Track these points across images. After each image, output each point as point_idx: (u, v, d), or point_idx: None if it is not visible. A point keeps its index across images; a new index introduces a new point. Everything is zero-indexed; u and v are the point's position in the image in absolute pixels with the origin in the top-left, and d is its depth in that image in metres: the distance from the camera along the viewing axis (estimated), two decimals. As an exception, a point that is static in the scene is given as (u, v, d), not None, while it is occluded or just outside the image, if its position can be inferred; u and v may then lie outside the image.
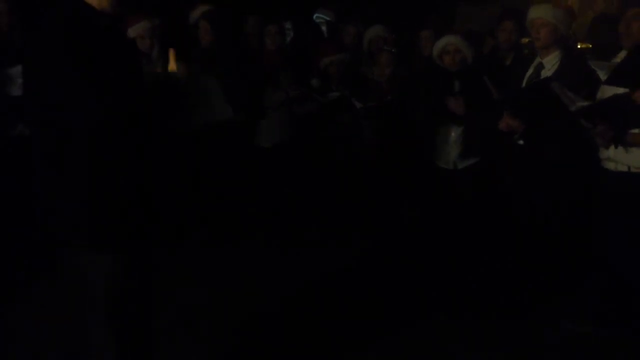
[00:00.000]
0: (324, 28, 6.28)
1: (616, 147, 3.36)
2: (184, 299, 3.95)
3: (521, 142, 3.87)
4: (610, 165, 3.51)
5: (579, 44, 5.15)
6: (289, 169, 5.16)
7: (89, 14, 2.28)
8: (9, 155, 4.27)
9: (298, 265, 4.52)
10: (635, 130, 3.33)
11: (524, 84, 3.89)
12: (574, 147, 3.66)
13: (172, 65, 2.71)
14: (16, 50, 4.21)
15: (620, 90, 3.36)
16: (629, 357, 3.40)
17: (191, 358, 3.37)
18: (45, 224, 2.38)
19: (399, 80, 5.05)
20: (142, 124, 2.36)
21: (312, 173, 5.17)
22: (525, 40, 5.08)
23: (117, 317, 2.37)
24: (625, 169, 3.44)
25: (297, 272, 4.39)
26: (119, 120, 2.22)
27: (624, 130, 3.32)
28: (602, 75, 3.66)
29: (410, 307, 3.93)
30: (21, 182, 4.10)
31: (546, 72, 3.78)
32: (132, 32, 4.46)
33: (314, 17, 6.42)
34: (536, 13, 3.82)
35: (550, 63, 3.80)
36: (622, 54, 3.71)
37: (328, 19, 6.33)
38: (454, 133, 4.42)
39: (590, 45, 4.88)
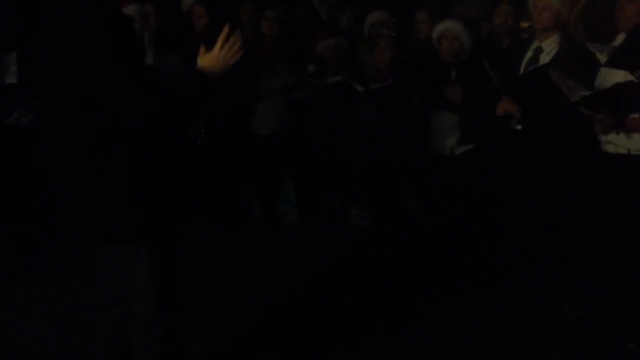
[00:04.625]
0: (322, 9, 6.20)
1: (617, 134, 3.36)
2: (181, 288, 3.92)
3: (519, 127, 3.85)
4: (610, 148, 3.51)
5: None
6: (287, 155, 5.15)
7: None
8: (4, 144, 4.24)
9: (295, 253, 4.52)
10: (635, 115, 3.33)
11: (522, 68, 3.85)
12: (572, 131, 3.64)
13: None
14: (9, 38, 4.17)
15: (620, 74, 3.34)
16: (618, 336, 3.43)
17: (186, 348, 3.34)
18: (66, 218, 2.40)
19: (399, 64, 5.01)
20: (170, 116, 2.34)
21: (310, 159, 5.16)
22: (524, 24, 5.05)
23: (164, 306, 2.43)
24: (625, 151, 3.44)
25: (295, 260, 4.39)
26: (158, 113, 2.20)
27: (624, 116, 3.31)
28: (602, 59, 3.63)
29: (411, 294, 3.92)
30: (17, 171, 4.11)
31: (545, 56, 3.75)
32: None
33: None
34: None
35: (549, 46, 3.76)
36: (621, 37, 3.69)
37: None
38: (451, 119, 4.40)
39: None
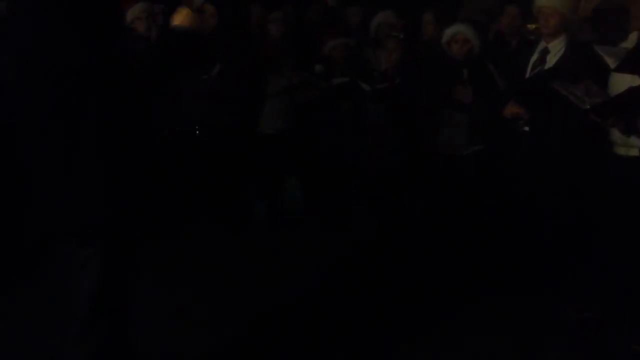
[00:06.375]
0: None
1: (629, 137, 3.36)
2: (185, 289, 3.94)
3: (527, 128, 3.84)
4: (621, 150, 3.50)
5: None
6: (292, 155, 5.14)
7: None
8: (7, 144, 4.22)
9: (299, 254, 4.51)
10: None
11: (529, 70, 3.87)
12: (581, 133, 3.62)
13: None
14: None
15: (627, 78, 3.34)
16: (620, 339, 3.40)
17: (188, 349, 3.34)
18: (38, 218, 2.41)
19: (406, 65, 4.99)
20: (137, 120, 2.34)
21: (316, 159, 5.15)
22: (532, 26, 5.04)
23: (98, 309, 2.35)
24: (636, 153, 3.43)
25: (299, 261, 4.38)
26: (118, 118, 2.21)
27: (634, 119, 3.29)
28: (612, 63, 3.60)
29: (414, 294, 3.90)
30: (18, 172, 4.09)
31: (552, 57, 3.77)
32: (130, 13, 4.41)
33: None
34: (545, 1, 3.77)
35: (556, 48, 3.78)
36: (633, 35, 3.64)
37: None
38: (460, 120, 4.39)
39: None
